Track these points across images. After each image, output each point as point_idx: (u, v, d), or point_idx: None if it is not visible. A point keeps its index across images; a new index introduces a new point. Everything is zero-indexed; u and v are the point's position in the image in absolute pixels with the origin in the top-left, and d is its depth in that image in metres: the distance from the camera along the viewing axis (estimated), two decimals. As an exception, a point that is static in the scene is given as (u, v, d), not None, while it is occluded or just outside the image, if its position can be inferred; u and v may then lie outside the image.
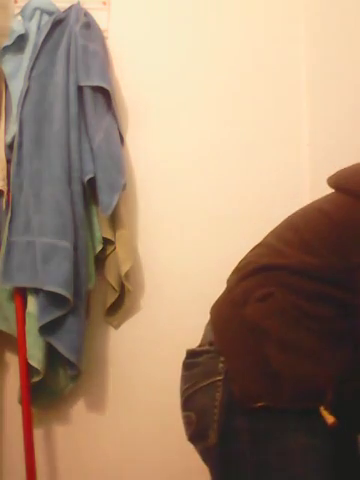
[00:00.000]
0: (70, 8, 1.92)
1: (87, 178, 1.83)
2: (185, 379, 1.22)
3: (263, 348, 1.11)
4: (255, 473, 1.09)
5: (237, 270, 1.27)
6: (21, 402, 1.77)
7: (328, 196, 1.24)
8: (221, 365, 1.15)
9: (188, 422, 1.19)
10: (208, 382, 1.15)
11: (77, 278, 1.77)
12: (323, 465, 1.09)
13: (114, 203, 1.81)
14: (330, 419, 1.07)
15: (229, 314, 1.20)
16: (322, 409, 1.08)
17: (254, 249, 1.28)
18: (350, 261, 1.10)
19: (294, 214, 1.27)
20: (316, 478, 1.08)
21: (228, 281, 1.29)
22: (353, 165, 1.25)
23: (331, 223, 1.15)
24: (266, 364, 1.10)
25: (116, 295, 1.88)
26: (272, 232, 1.28)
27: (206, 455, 1.17)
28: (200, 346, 1.23)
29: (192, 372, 1.20)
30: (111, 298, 1.89)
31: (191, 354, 1.23)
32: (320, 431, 1.09)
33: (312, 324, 1.11)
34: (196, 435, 1.17)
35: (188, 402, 1.20)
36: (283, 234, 1.24)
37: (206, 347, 1.20)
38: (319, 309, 1.11)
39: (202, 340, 1.24)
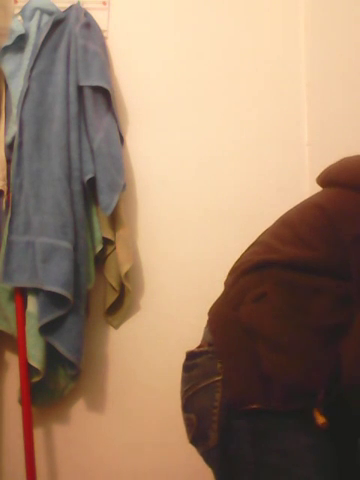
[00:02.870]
0: (70, 8, 1.92)
1: (87, 178, 1.83)
2: (185, 381, 1.22)
3: (257, 349, 1.11)
4: (256, 474, 1.08)
5: (233, 271, 1.28)
6: (21, 402, 1.77)
7: (320, 192, 1.25)
8: (220, 365, 1.15)
9: (189, 424, 1.19)
10: (207, 383, 1.15)
11: (77, 278, 1.77)
12: (324, 465, 1.09)
13: (114, 203, 1.81)
14: (320, 420, 1.06)
15: (225, 315, 1.21)
16: (315, 410, 1.07)
17: (249, 248, 1.29)
18: (343, 243, 1.10)
19: (288, 212, 1.28)
20: (317, 478, 1.08)
21: (225, 282, 1.29)
22: (339, 160, 1.26)
23: (325, 215, 1.15)
24: (260, 366, 1.10)
25: (116, 295, 1.88)
26: (266, 230, 1.29)
27: (208, 457, 1.17)
28: (199, 347, 1.22)
29: (191, 374, 1.20)
30: (111, 298, 1.89)
31: (190, 355, 1.23)
32: (321, 431, 1.09)
33: (306, 319, 1.10)
34: (197, 437, 1.17)
35: (188, 404, 1.20)
36: (277, 231, 1.24)
37: (205, 348, 1.20)
38: (315, 303, 1.11)
39: (201, 341, 1.24)
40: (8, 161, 1.86)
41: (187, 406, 1.20)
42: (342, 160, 1.26)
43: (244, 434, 1.10)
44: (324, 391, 1.07)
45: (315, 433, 1.09)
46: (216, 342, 1.18)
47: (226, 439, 1.11)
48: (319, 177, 1.28)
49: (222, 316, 1.22)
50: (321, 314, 1.10)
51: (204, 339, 1.24)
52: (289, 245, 1.17)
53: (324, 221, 1.14)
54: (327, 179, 1.25)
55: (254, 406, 1.09)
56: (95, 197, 1.86)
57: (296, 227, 1.19)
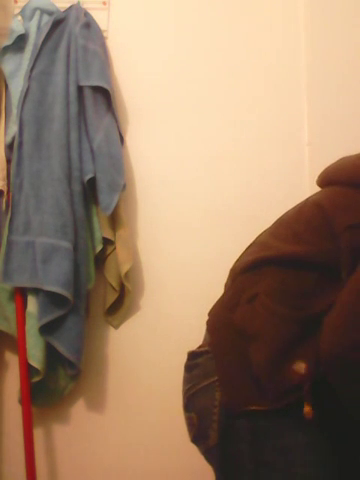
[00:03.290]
0: (70, 8, 1.92)
1: (87, 178, 1.83)
2: (186, 380, 1.23)
3: (248, 351, 1.12)
4: (255, 473, 1.09)
5: (231, 272, 1.29)
6: (21, 402, 1.77)
7: (319, 192, 1.27)
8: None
9: (190, 423, 1.19)
10: (208, 382, 1.16)
11: (77, 278, 1.77)
12: (323, 463, 1.09)
13: (114, 203, 1.81)
14: (306, 408, 1.06)
15: (221, 317, 1.22)
16: (305, 402, 1.07)
17: (247, 249, 1.30)
18: (335, 235, 1.10)
19: (286, 212, 1.29)
20: (317, 476, 1.08)
21: (225, 284, 1.30)
22: (337, 161, 1.28)
23: (321, 212, 1.15)
24: (252, 368, 1.11)
25: (116, 295, 1.88)
26: (265, 231, 1.29)
27: (209, 456, 1.18)
28: (200, 347, 1.23)
29: (192, 373, 1.21)
30: (111, 298, 1.89)
31: (191, 355, 1.24)
32: (320, 428, 1.09)
33: (295, 314, 1.11)
34: (198, 436, 1.18)
35: (189, 403, 1.20)
36: (275, 231, 1.25)
37: (206, 348, 1.21)
38: (308, 300, 1.11)
39: (203, 341, 1.25)
40: (8, 161, 1.86)
41: (188, 405, 1.21)
42: (339, 160, 1.28)
43: (244, 433, 1.10)
44: (310, 382, 1.07)
45: (314, 431, 1.09)
46: (212, 344, 1.19)
47: (226, 438, 1.12)
48: (318, 179, 1.29)
49: (219, 318, 1.23)
50: (314, 310, 1.10)
51: (205, 339, 1.25)
52: (285, 242, 1.18)
53: (320, 218, 1.15)
54: (326, 179, 1.26)
55: (249, 408, 1.09)
56: (95, 197, 1.86)
57: (293, 225, 1.20)
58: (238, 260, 1.30)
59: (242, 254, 1.30)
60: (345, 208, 1.13)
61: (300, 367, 1.08)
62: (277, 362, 1.09)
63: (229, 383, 1.13)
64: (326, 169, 1.29)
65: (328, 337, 1.05)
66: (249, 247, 1.30)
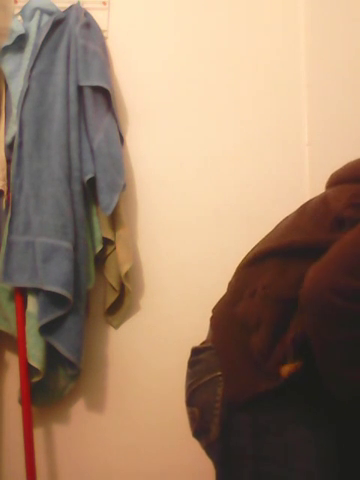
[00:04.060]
0: (70, 8, 1.92)
1: (87, 178, 1.83)
2: (189, 376, 1.24)
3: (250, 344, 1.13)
4: (256, 467, 1.09)
5: (236, 270, 1.30)
6: (21, 402, 1.77)
7: (324, 192, 1.29)
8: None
9: (192, 418, 1.20)
10: (210, 377, 1.16)
11: (77, 278, 1.77)
12: (324, 458, 1.09)
13: (114, 203, 1.81)
14: (284, 367, 1.06)
15: (224, 314, 1.23)
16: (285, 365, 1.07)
17: (253, 249, 1.30)
18: (338, 215, 1.12)
19: (291, 213, 1.30)
20: (317, 472, 1.08)
21: (229, 283, 1.31)
22: (345, 164, 1.29)
23: (325, 203, 1.18)
24: (254, 361, 1.12)
25: (116, 295, 1.88)
26: (270, 231, 1.30)
27: (210, 450, 1.18)
28: (203, 343, 1.24)
29: (195, 369, 1.22)
30: (111, 298, 1.89)
31: (195, 351, 1.25)
32: (321, 424, 1.10)
33: (289, 297, 1.11)
34: (199, 430, 1.18)
35: (192, 398, 1.21)
36: (278, 229, 1.27)
37: (209, 344, 1.22)
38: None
39: (206, 338, 1.26)
40: (8, 161, 1.86)
41: (190, 400, 1.22)
42: (345, 164, 1.30)
43: (245, 428, 1.11)
44: (294, 344, 1.07)
45: (317, 426, 1.10)
46: (215, 340, 1.20)
47: (227, 432, 1.12)
48: (326, 183, 1.32)
49: (222, 314, 1.24)
50: None
51: (209, 335, 1.26)
52: (286, 234, 1.20)
53: (323, 209, 1.17)
54: (332, 181, 1.29)
55: (251, 394, 1.10)
56: (95, 197, 1.86)
57: (296, 221, 1.22)
58: (244, 259, 1.31)
59: (248, 253, 1.31)
60: (348, 197, 1.16)
61: (290, 337, 1.09)
62: (272, 341, 1.10)
63: (232, 377, 1.13)
64: (333, 173, 1.31)
65: (309, 277, 1.04)
66: (255, 247, 1.31)
